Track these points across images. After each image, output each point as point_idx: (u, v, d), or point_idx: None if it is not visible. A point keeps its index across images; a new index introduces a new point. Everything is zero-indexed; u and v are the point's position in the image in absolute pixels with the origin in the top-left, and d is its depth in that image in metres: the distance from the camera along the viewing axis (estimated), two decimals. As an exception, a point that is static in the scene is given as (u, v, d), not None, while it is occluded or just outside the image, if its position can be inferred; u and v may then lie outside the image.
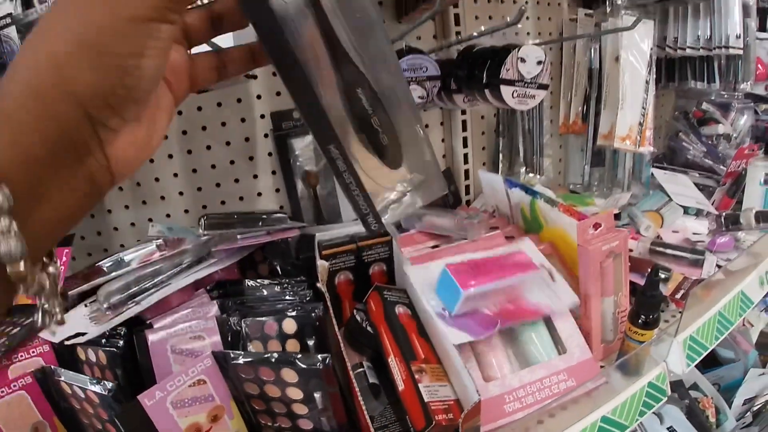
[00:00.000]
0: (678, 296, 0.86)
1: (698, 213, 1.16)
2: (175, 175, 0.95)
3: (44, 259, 0.32)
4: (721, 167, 1.41)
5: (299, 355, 0.56)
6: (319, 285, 0.69)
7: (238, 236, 0.75)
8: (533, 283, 0.74)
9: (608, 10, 1.13)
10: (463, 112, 1.13)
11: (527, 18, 0.66)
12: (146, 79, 0.31)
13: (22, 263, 0.28)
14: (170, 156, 0.93)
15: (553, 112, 1.28)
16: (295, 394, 0.57)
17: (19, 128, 0.28)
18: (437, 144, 1.17)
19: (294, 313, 0.65)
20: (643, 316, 0.73)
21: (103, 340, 0.64)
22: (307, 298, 0.71)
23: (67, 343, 0.63)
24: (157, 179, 0.94)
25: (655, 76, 1.15)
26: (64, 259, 0.72)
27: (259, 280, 0.74)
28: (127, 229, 0.95)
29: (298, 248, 0.82)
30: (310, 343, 0.66)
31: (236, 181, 0.99)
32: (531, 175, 1.19)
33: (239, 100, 0.94)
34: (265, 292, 0.73)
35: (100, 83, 0.29)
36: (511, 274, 0.71)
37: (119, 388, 0.56)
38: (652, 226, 1.04)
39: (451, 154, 1.18)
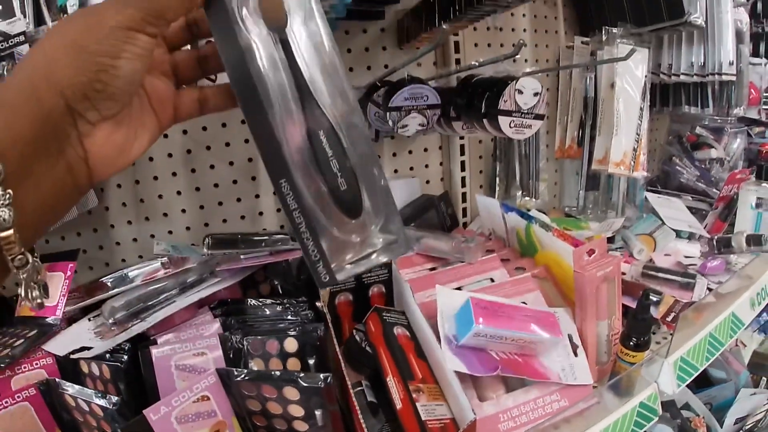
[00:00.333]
0: (669, 318, 0.87)
1: (690, 236, 1.17)
2: (179, 192, 0.96)
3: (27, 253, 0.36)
4: (714, 191, 1.43)
5: (301, 374, 0.58)
6: (319, 305, 0.71)
7: (242, 256, 0.77)
8: (552, 348, 0.73)
9: (604, 38, 1.15)
10: (462, 137, 1.16)
11: (524, 45, 0.68)
12: (121, 78, 0.36)
13: (12, 230, 0.33)
14: (174, 174, 0.95)
15: (549, 137, 1.30)
16: (297, 411, 0.58)
17: (12, 112, 0.33)
18: (435, 167, 1.19)
19: (295, 333, 0.67)
20: (634, 339, 0.75)
21: (107, 355, 0.65)
22: (309, 318, 0.73)
23: (72, 357, 0.65)
24: (160, 196, 0.95)
25: (649, 102, 1.17)
26: (69, 273, 0.73)
27: (260, 300, 0.75)
28: (129, 244, 0.97)
29: (299, 268, 0.84)
30: (311, 361, 0.67)
31: (238, 200, 1.01)
32: (527, 198, 1.21)
33: (243, 121, 0.96)
34: (267, 312, 0.74)
35: (78, 76, 0.35)
36: (529, 330, 0.69)
37: (123, 402, 0.58)
38: (645, 250, 1.06)
39: (449, 178, 1.20)
